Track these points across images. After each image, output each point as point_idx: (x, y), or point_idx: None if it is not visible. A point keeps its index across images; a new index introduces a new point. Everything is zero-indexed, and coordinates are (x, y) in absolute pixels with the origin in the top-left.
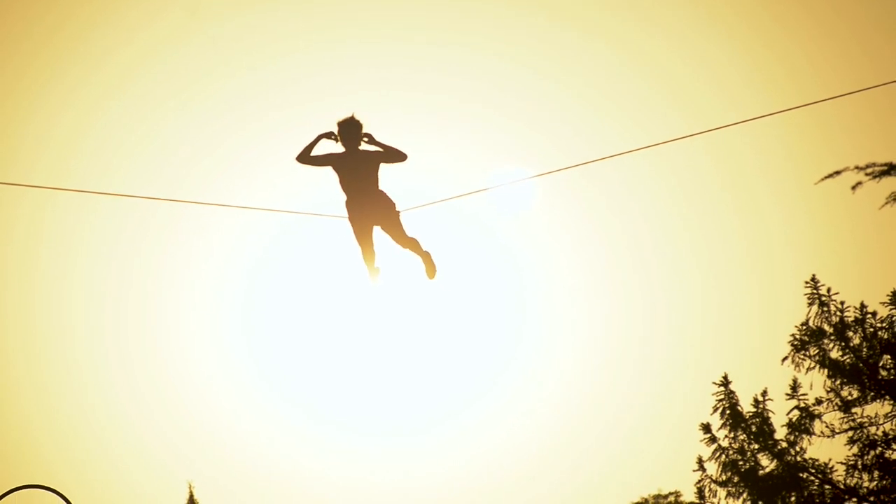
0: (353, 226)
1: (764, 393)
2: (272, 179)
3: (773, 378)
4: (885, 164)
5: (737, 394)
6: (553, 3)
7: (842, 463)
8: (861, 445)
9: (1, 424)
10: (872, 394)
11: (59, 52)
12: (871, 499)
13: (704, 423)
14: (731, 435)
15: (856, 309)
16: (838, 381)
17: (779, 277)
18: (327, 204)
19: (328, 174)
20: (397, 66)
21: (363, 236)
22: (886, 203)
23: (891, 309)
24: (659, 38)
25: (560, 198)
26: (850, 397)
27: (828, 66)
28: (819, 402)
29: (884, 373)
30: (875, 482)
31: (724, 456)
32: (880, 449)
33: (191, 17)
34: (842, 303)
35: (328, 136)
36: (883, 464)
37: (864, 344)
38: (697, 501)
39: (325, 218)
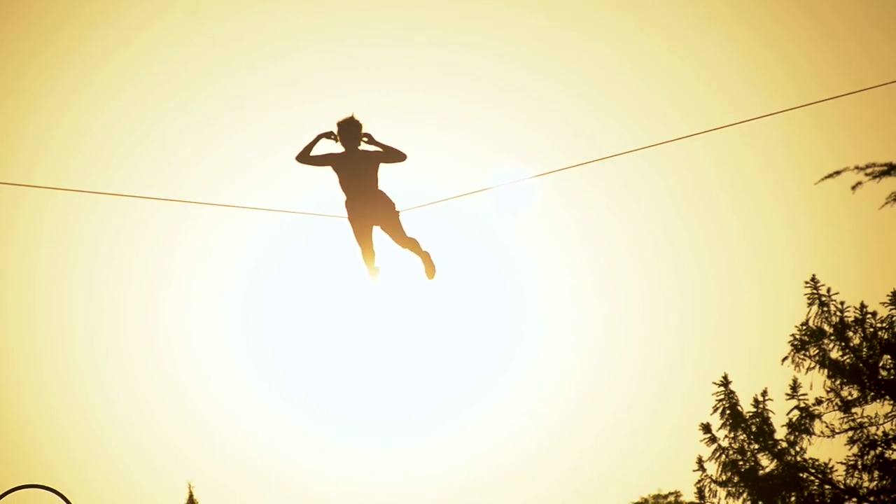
0: (352, 226)
1: (764, 393)
2: (272, 179)
3: (773, 378)
4: (885, 164)
5: (737, 394)
6: (553, 3)
7: (842, 463)
8: (861, 445)
9: (1, 424)
10: (872, 394)
11: (59, 52)
12: (871, 499)
13: (704, 423)
14: (731, 435)
15: (856, 309)
16: (838, 381)
17: (779, 277)
18: (327, 204)
19: (328, 174)
20: (397, 66)
21: (363, 236)
22: (886, 203)
23: (891, 309)
24: (659, 38)
25: (560, 198)
26: (850, 397)
27: (828, 66)
28: (819, 402)
29: (884, 373)
30: (875, 482)
31: (724, 456)
32: (880, 449)
33: (191, 17)
34: (842, 303)
35: (328, 135)
36: (883, 464)
37: (864, 344)
38: (697, 501)
39: (325, 218)
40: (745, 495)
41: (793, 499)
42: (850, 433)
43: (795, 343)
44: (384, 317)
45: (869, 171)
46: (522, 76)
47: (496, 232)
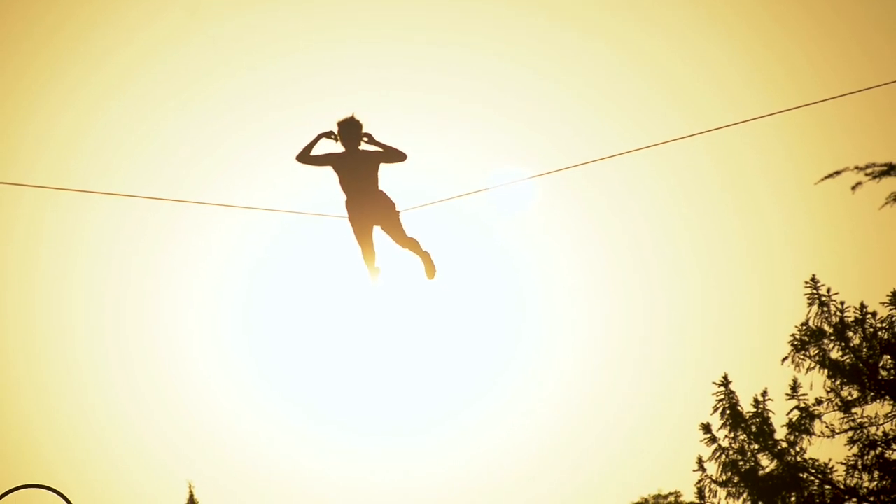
0: (353, 226)
1: (764, 393)
2: (272, 179)
3: (773, 378)
4: (885, 164)
5: (737, 394)
6: (553, 3)
7: (842, 463)
8: (861, 445)
9: (1, 424)
10: (872, 394)
11: (59, 52)
12: (871, 499)
13: (704, 423)
14: (731, 435)
15: (856, 309)
16: (838, 382)
17: (779, 277)
18: (327, 204)
19: (328, 174)
20: (397, 66)
21: (363, 236)
22: (886, 203)
23: (891, 309)
24: (659, 38)
25: (560, 198)
26: (850, 397)
27: (828, 66)
28: (819, 402)
29: (884, 373)
30: (875, 482)
31: (724, 456)
32: (880, 449)
33: (191, 17)
34: (842, 303)
35: (328, 135)
36: (883, 464)
37: (864, 344)
38: (697, 501)
39: (325, 218)
40: (745, 495)
41: (793, 499)
42: (850, 433)
43: (795, 343)
44: (384, 317)
45: (869, 171)
46: (522, 76)
47: (496, 232)
